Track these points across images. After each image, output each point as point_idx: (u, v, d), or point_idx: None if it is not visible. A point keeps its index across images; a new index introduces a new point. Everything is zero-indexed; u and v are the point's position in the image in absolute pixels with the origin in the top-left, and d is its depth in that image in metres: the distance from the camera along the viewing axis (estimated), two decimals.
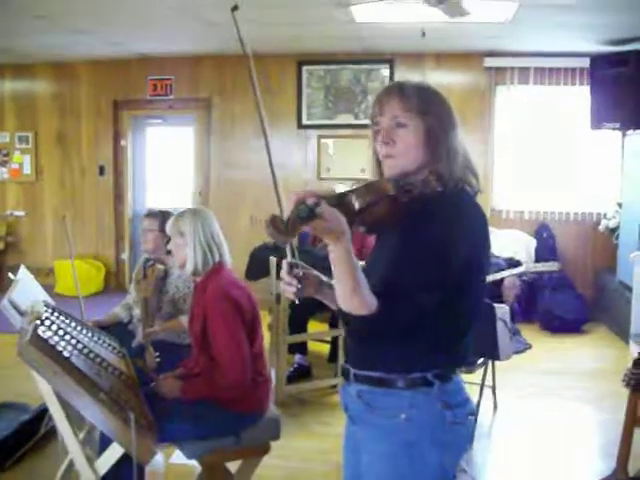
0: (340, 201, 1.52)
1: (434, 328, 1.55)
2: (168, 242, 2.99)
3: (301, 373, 4.99)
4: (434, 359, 1.59)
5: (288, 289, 1.61)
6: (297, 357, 5.03)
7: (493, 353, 3.48)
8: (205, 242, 2.82)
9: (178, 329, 3.58)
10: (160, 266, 3.61)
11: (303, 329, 4.80)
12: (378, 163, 1.71)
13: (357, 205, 1.52)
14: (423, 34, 5.90)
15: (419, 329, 1.54)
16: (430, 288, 1.51)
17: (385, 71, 7.49)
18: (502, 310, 3.43)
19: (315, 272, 1.75)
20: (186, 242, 2.83)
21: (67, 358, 2.22)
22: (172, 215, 3.13)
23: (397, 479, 1.61)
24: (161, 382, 2.73)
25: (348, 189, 1.55)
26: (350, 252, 1.46)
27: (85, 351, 2.42)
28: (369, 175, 1.77)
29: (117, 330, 3.78)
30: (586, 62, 6.64)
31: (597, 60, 6.44)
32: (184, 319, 3.52)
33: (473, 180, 1.68)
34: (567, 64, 7.01)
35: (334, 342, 5.01)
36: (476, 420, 1.76)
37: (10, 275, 3.04)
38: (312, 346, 5.30)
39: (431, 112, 1.63)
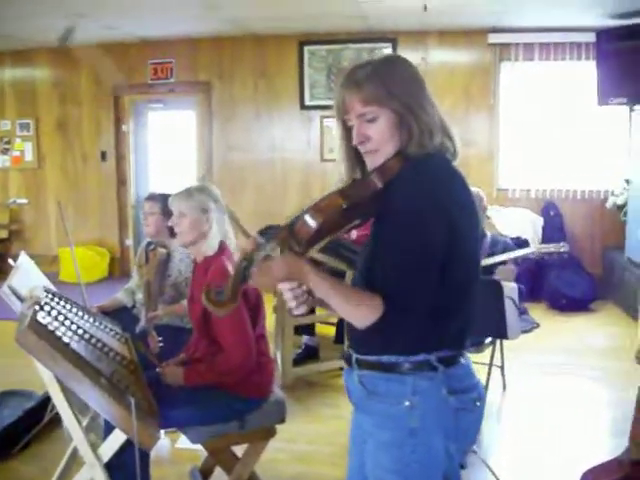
0: (289, 235, 1.47)
1: (429, 305, 1.49)
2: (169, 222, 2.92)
3: (309, 354, 4.97)
4: (434, 336, 1.54)
5: (294, 306, 1.54)
6: (305, 338, 4.99)
7: (501, 332, 3.43)
8: (222, 219, 2.80)
9: (181, 313, 3.54)
10: (162, 250, 3.57)
11: (311, 310, 4.77)
12: (351, 154, 1.65)
13: (313, 226, 1.46)
14: (425, 7, 5.82)
15: (417, 308, 1.48)
16: (418, 267, 1.46)
17: (388, 50, 7.39)
18: (510, 288, 3.38)
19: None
20: (208, 218, 2.76)
21: (67, 344, 2.19)
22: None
23: (401, 468, 1.55)
24: (163, 371, 2.69)
25: (293, 218, 1.49)
26: (321, 277, 1.46)
27: (86, 336, 2.39)
28: (344, 167, 1.69)
29: (121, 315, 3.76)
30: (592, 37, 6.53)
31: (603, 34, 6.34)
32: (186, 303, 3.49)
33: (449, 144, 1.61)
34: (573, 39, 6.90)
35: (340, 323, 4.97)
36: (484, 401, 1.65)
37: (10, 261, 3.01)
38: (318, 328, 5.26)
39: (393, 94, 1.54)
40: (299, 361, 4.77)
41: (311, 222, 1.46)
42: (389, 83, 1.55)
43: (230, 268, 2.62)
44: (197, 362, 2.68)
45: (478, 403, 1.61)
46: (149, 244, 3.78)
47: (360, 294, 1.48)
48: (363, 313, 1.46)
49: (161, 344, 3.24)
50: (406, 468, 1.55)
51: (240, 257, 1.42)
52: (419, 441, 1.53)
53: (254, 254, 1.41)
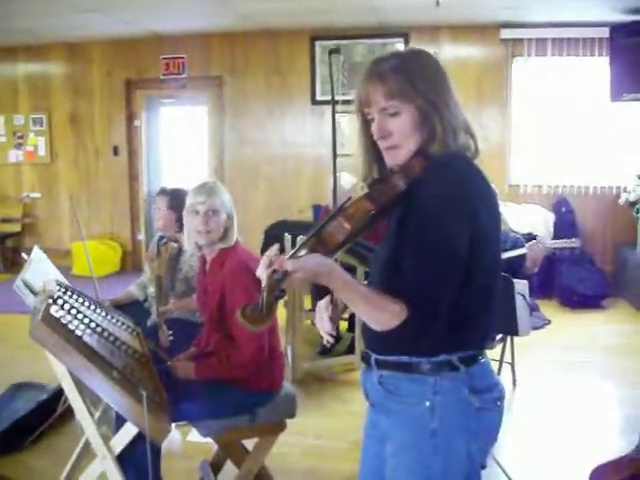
0: (318, 243, 1.42)
1: (453, 305, 1.45)
2: (179, 219, 2.93)
3: (334, 343, 5.03)
4: (457, 338, 1.50)
5: (327, 333, 1.64)
6: None
7: (512, 329, 3.42)
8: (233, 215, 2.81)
9: (192, 307, 3.56)
10: (173, 244, 3.59)
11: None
12: (370, 149, 1.61)
13: (343, 233, 1.42)
14: (437, 2, 5.81)
15: (440, 313, 1.44)
16: (442, 272, 1.42)
17: (400, 45, 7.36)
18: (521, 285, 3.37)
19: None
20: (233, 213, 2.80)
21: (79, 337, 2.20)
22: (184, 193, 3.07)
23: (422, 470, 1.51)
24: (174, 365, 2.70)
25: (322, 223, 1.43)
26: (347, 280, 1.41)
27: (98, 330, 2.40)
28: (361, 162, 1.65)
29: (134, 308, 3.78)
30: (605, 32, 6.49)
31: (617, 29, 6.30)
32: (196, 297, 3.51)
33: (471, 143, 1.58)
34: (586, 34, 6.84)
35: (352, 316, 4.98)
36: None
37: (24, 255, 3.03)
38: None
39: (418, 90, 1.49)
40: (326, 352, 4.95)
41: (341, 230, 1.41)
42: (414, 78, 1.50)
43: (247, 262, 2.64)
44: (209, 356, 2.70)
45: (499, 403, 1.57)
46: (161, 238, 3.80)
47: (383, 298, 1.42)
48: (385, 318, 1.41)
49: (171, 337, 3.25)
50: (427, 470, 1.51)
51: (270, 269, 1.35)
52: (440, 442, 1.50)
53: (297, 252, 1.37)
